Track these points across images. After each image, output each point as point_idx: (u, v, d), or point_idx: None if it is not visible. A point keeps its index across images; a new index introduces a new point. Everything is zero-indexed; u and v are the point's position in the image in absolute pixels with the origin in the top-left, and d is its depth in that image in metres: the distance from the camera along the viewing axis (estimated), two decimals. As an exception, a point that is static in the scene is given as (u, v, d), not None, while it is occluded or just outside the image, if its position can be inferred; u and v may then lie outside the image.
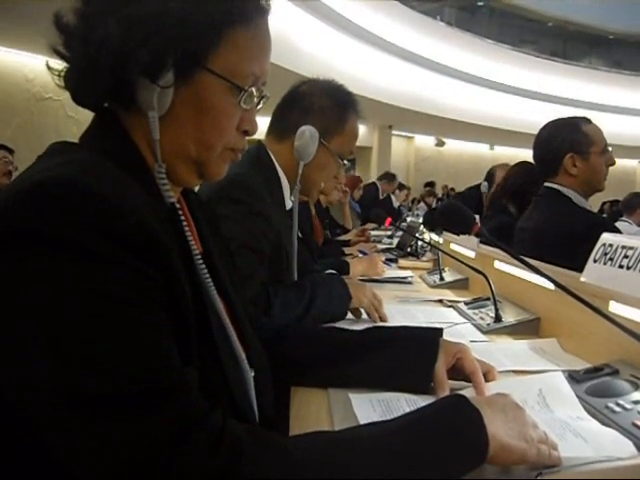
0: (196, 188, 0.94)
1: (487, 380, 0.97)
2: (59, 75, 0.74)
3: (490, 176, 3.86)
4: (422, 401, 0.74)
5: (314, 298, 1.41)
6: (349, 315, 1.53)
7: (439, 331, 1.03)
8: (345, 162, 1.68)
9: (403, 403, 0.90)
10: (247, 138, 0.82)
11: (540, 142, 2.14)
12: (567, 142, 2.04)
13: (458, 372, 0.98)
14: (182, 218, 0.74)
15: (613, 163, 2.09)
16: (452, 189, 13.16)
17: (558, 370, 1.12)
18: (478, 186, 4.05)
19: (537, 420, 0.75)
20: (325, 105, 1.58)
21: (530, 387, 0.92)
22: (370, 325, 1.43)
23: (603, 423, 0.84)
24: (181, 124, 0.74)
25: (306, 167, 1.57)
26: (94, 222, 0.58)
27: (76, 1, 0.71)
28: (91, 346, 0.55)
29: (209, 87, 0.74)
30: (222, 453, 0.56)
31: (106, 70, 0.69)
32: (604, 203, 8.21)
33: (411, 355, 0.97)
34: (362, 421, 0.82)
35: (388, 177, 8.24)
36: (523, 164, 3.05)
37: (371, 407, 0.89)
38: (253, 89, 0.77)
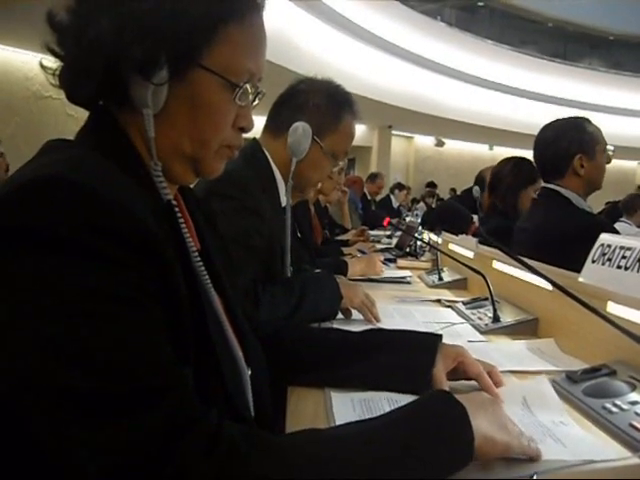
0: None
1: (491, 380, 0.96)
2: (53, 74, 0.74)
3: (481, 180, 3.85)
4: (404, 401, 0.74)
5: (303, 297, 1.40)
6: (340, 315, 1.52)
7: (438, 336, 1.02)
8: (339, 162, 1.67)
9: (384, 403, 0.90)
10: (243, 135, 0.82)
11: (545, 143, 2.10)
12: (576, 143, 2.02)
13: (458, 374, 0.98)
14: (179, 215, 0.73)
15: (610, 161, 2.09)
16: (453, 189, 13.15)
17: (554, 370, 1.12)
18: (471, 189, 4.05)
19: (517, 422, 0.75)
20: (320, 103, 1.58)
21: (514, 397, 0.92)
22: (364, 326, 1.43)
23: (600, 424, 0.84)
24: (176, 121, 0.74)
25: (299, 164, 1.57)
26: (83, 218, 0.57)
27: None
28: (80, 344, 0.54)
29: (204, 84, 0.73)
30: (217, 454, 0.55)
31: (99, 68, 0.69)
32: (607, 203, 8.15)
33: (409, 359, 0.97)
34: (339, 421, 0.83)
35: (371, 177, 8.00)
36: (507, 161, 3.04)
37: (351, 407, 0.89)
38: (248, 85, 0.77)
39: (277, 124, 1.60)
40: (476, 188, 3.87)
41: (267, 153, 1.58)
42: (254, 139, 1.60)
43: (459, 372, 0.97)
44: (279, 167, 1.59)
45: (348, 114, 1.63)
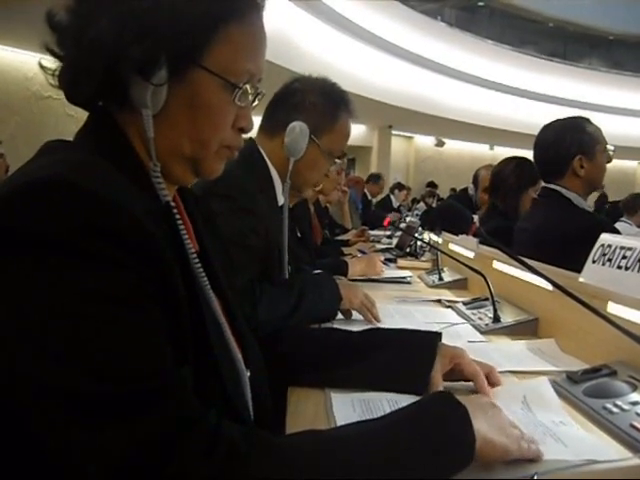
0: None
1: (489, 381, 0.96)
2: (53, 74, 0.73)
3: (475, 178, 3.86)
4: (404, 402, 0.74)
5: (302, 297, 1.40)
6: (340, 316, 1.52)
7: (437, 335, 1.03)
8: (336, 160, 1.67)
9: (384, 403, 0.91)
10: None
11: (545, 144, 2.09)
12: (575, 144, 2.02)
13: (456, 375, 0.98)
14: (177, 216, 0.73)
15: (610, 160, 2.09)
16: (453, 189, 13.14)
17: (554, 370, 1.12)
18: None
19: (517, 422, 0.75)
20: (317, 102, 1.58)
21: (514, 396, 0.92)
22: (364, 326, 1.43)
23: (600, 424, 0.84)
24: (175, 122, 0.74)
25: (296, 164, 1.57)
26: (82, 219, 0.57)
27: None
28: (79, 345, 0.54)
29: (203, 85, 0.73)
30: (217, 455, 0.55)
31: (99, 68, 0.68)
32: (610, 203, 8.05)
33: (409, 359, 0.97)
34: (340, 422, 0.83)
35: (373, 178, 8.04)
36: (509, 161, 3.03)
37: (351, 407, 0.89)
38: (248, 86, 0.76)
39: (273, 124, 1.59)
40: (471, 186, 3.88)
41: (263, 153, 1.58)
42: (250, 138, 1.60)
43: (456, 373, 0.97)
44: (276, 167, 1.59)
45: (344, 112, 1.62)
